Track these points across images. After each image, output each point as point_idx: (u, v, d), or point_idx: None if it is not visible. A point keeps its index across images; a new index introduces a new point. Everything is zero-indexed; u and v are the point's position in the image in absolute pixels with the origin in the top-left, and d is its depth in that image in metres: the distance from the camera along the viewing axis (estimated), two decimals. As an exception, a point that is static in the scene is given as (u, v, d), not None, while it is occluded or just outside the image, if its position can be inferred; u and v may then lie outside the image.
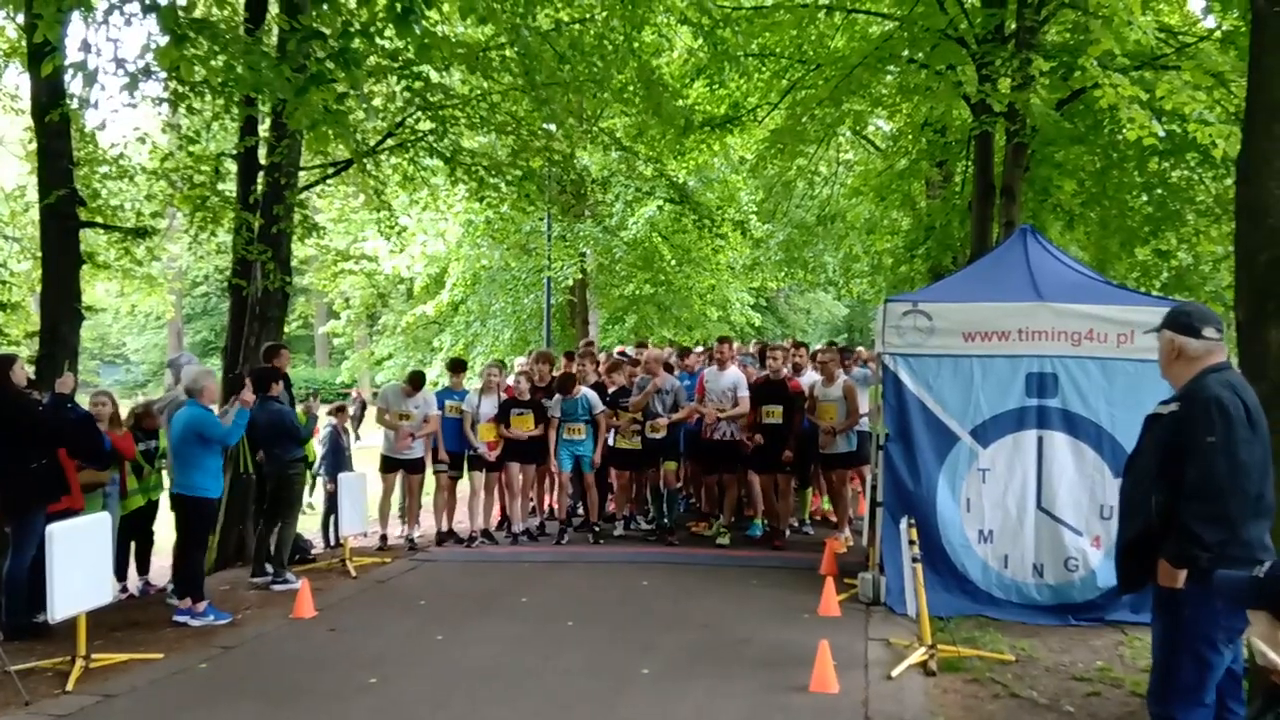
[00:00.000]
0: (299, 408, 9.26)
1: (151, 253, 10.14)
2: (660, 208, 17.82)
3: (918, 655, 5.95)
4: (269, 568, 8.46)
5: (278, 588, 8.21)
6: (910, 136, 15.18)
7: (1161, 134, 8.50)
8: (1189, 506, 3.38)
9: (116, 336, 41.18)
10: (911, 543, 6.24)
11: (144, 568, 8.67)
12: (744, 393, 9.67)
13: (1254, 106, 4.95)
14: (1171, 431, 3.47)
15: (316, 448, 10.82)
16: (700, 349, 13.04)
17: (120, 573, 8.29)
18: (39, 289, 8.84)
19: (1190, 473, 3.38)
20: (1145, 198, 12.60)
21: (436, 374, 20.17)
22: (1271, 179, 4.75)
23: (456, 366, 10.72)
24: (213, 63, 6.38)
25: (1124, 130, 8.29)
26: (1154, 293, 12.52)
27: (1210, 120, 8.11)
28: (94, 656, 6.06)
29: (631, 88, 12.14)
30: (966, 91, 10.25)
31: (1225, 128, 7.95)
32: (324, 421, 11.15)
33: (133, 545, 8.53)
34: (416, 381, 10.18)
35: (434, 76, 10.49)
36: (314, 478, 11.05)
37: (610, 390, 10.50)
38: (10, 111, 9.68)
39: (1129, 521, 3.55)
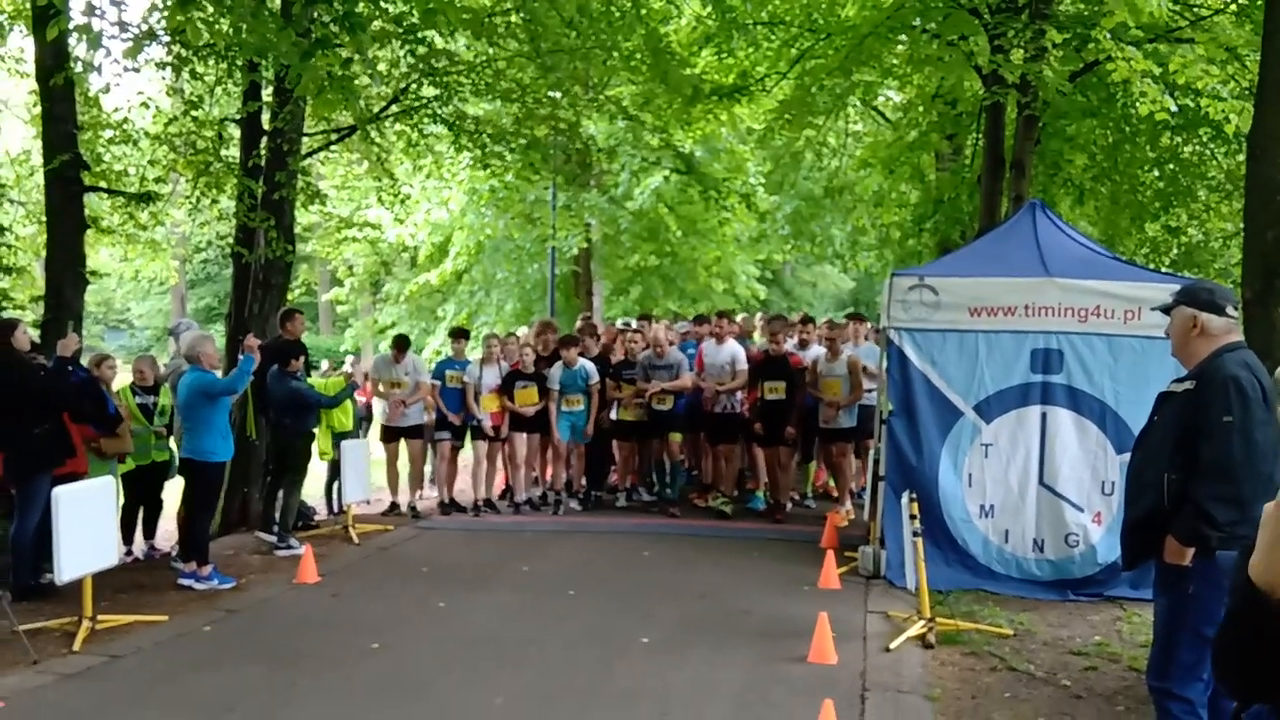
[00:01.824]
0: (335, 375, 9.23)
1: (155, 218, 10.10)
2: (666, 178, 17.70)
3: (916, 628, 5.98)
4: (276, 528, 8.53)
5: (281, 553, 8.26)
6: (921, 108, 15.04)
7: (1174, 109, 8.40)
8: (1202, 486, 3.37)
9: (121, 302, 41.19)
10: (912, 517, 6.25)
11: (150, 532, 8.72)
12: (742, 365, 9.66)
13: (1266, 82, 4.90)
14: (1186, 410, 3.45)
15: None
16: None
17: (127, 536, 8.34)
18: (44, 253, 8.82)
19: (1205, 452, 3.37)
20: (1156, 173, 12.50)
21: (440, 343, 20.17)
22: (1281, 156, 4.70)
23: (458, 334, 10.69)
24: (218, 26, 6.34)
25: (1136, 104, 8.19)
26: (1163, 269, 12.45)
27: (1223, 95, 8.02)
28: (100, 618, 6.11)
29: (639, 55, 12.02)
30: (978, 62, 10.13)
31: (1238, 103, 7.86)
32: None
33: (140, 510, 8.56)
34: (401, 345, 10.13)
35: (439, 42, 10.39)
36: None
37: (613, 363, 10.51)
38: (15, 75, 9.61)
39: (1138, 499, 3.54)
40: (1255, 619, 1.28)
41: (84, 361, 7.70)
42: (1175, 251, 13.37)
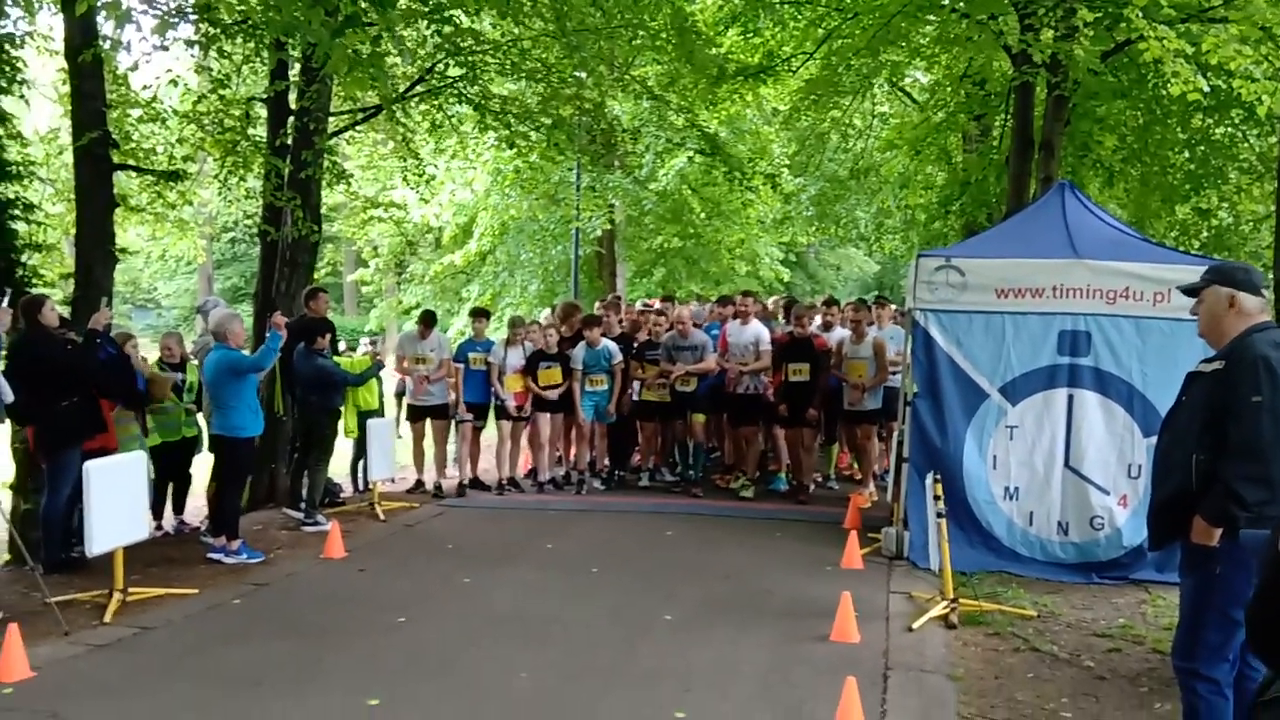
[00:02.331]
0: (359, 353, 9.26)
1: (184, 196, 10.17)
2: (690, 159, 17.63)
3: (939, 609, 5.98)
4: (303, 504, 8.62)
5: (308, 529, 8.36)
6: (949, 89, 14.88)
7: (1206, 89, 8.26)
8: (1231, 466, 3.34)
9: (148, 281, 41.56)
10: (936, 498, 6.24)
11: (180, 507, 8.81)
12: (766, 346, 9.64)
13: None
14: (1215, 390, 3.41)
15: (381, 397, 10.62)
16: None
17: (156, 512, 8.46)
18: (73, 231, 8.91)
19: (1233, 432, 3.34)
20: (1187, 154, 12.31)
21: (464, 324, 20.21)
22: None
23: (479, 314, 10.68)
24: (246, 3, 6.35)
25: (1168, 85, 8.06)
26: (1193, 252, 12.29)
27: (1256, 76, 7.87)
28: (131, 590, 6.21)
29: (664, 34, 11.96)
30: (1008, 42, 10.00)
31: (1271, 84, 7.73)
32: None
33: (170, 485, 8.66)
34: (429, 320, 10.14)
35: (464, 21, 10.37)
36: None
37: (637, 343, 10.52)
38: (44, 53, 9.67)
39: (1165, 479, 3.52)
40: None
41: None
42: (1205, 234, 13.18)
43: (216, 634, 5.71)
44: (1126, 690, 4.99)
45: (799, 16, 13.46)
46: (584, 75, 11.50)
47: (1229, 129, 12.31)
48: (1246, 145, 12.62)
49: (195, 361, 8.35)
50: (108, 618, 5.87)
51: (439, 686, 4.91)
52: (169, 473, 8.55)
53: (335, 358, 9.22)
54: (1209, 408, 3.39)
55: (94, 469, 5.92)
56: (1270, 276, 5.31)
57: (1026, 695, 4.89)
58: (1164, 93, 10.96)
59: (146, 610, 6.10)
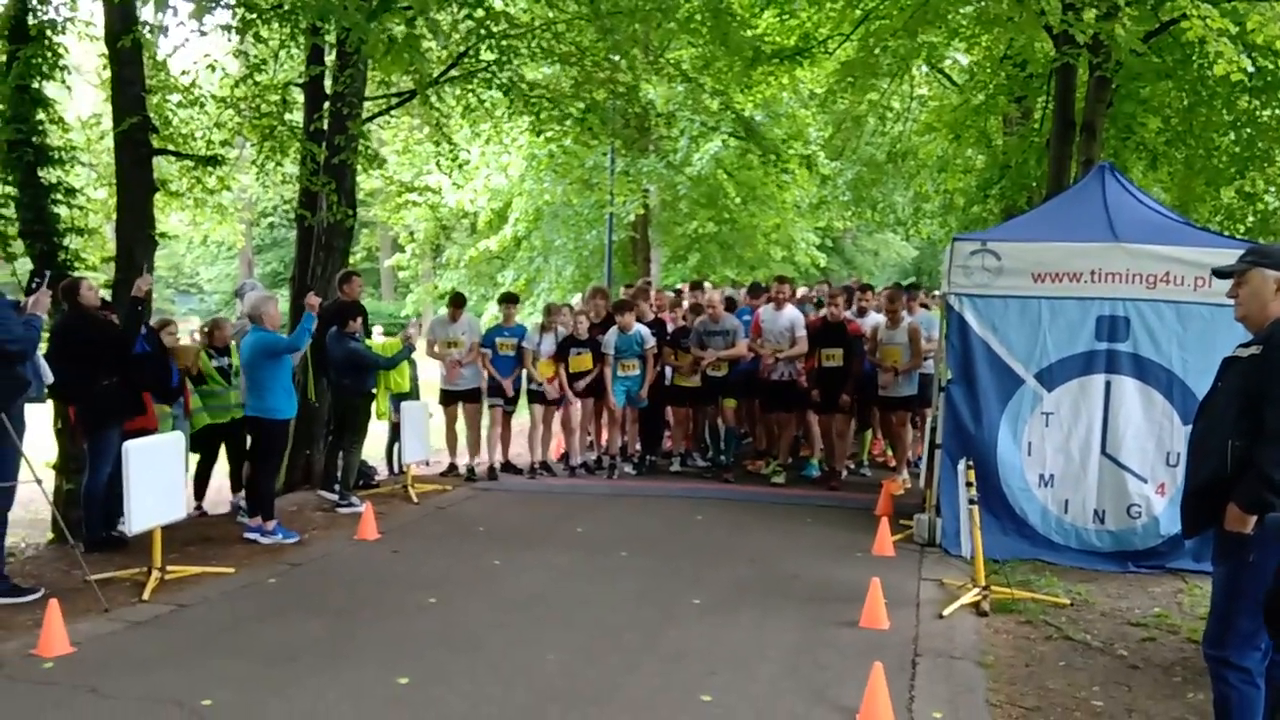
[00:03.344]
0: (393, 337, 9.29)
1: (223, 182, 10.28)
2: (725, 143, 17.53)
3: (970, 595, 5.93)
4: (336, 487, 8.73)
5: (343, 510, 8.46)
6: (989, 70, 14.64)
7: (1251, 70, 8.05)
8: (1266, 452, 3.27)
9: (190, 266, 42.21)
10: (969, 484, 6.18)
11: (238, 486, 8.69)
12: (801, 332, 9.58)
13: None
14: (1252, 375, 3.34)
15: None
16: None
17: (198, 491, 8.59)
18: (114, 216, 9.05)
19: (1270, 417, 3.27)
20: (1232, 136, 12.02)
21: (498, 309, 20.30)
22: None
23: (508, 299, 10.68)
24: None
25: (1212, 65, 7.87)
26: (1238, 237, 12.02)
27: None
28: (169, 569, 6.32)
29: (699, 17, 11.88)
30: (1049, 21, 9.82)
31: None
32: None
33: (226, 467, 8.70)
34: (459, 301, 10.15)
35: (498, 5, 10.36)
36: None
37: (670, 329, 10.51)
38: (85, 39, 9.81)
39: (1200, 465, 3.45)
40: None
41: (152, 321, 7.87)
42: (1251, 219, 12.87)
43: (252, 612, 5.81)
44: (1160, 679, 4.92)
45: (835, -2, 13.29)
46: (618, 58, 11.46)
47: (1277, 111, 11.99)
48: (1295, 127, 12.28)
49: (234, 343, 8.45)
50: (146, 595, 5.98)
51: (468, 665, 4.96)
52: (218, 454, 8.63)
53: (368, 341, 9.28)
54: (1245, 393, 3.32)
55: (133, 449, 6.03)
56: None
57: (1057, 683, 4.84)
58: (1209, 74, 10.73)
59: (184, 588, 6.21)
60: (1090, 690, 4.77)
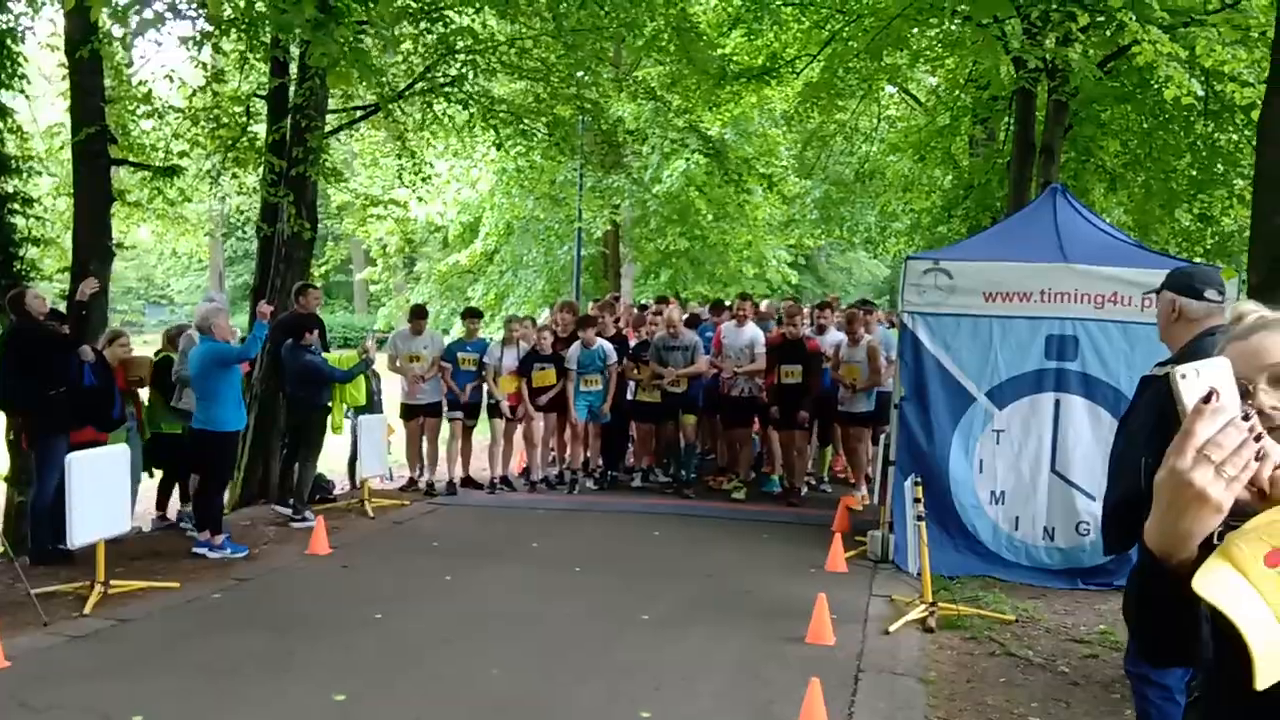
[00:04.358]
0: (351, 349, 9.24)
1: (183, 193, 10.24)
2: (691, 160, 17.61)
3: (917, 612, 5.95)
4: (291, 500, 8.65)
5: (296, 525, 8.38)
6: (957, 92, 14.83)
7: (1200, 93, 8.20)
8: None
9: (161, 278, 41.88)
10: (916, 500, 6.21)
11: (185, 498, 8.55)
12: (761, 349, 9.62)
13: (1276, 67, 4.78)
14: (1166, 393, 3.37)
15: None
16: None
17: (160, 502, 8.49)
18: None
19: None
20: (1189, 159, 12.23)
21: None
22: (1291, 140, 4.60)
23: (471, 314, 10.63)
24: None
25: (1164, 89, 8.01)
26: (1196, 259, 12.21)
27: (1251, 82, 7.82)
28: (112, 583, 6.24)
29: (665, 35, 11.96)
30: (1012, 46, 9.97)
31: (1264, 88, 7.65)
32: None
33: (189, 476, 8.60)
34: (420, 314, 10.13)
35: (465, 21, 10.39)
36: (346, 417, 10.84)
37: (633, 343, 10.52)
38: (46, 48, 9.77)
39: (1118, 482, 3.49)
40: (1152, 583, 1.28)
41: (100, 340, 7.70)
42: (1209, 241, 13.08)
43: (194, 627, 5.74)
44: (1099, 696, 4.96)
45: (802, 19, 13.43)
46: (583, 75, 11.51)
47: (1233, 135, 12.22)
48: (1249, 150, 12.50)
49: (179, 359, 8.23)
50: (88, 609, 5.89)
51: (409, 681, 4.92)
52: (179, 464, 8.51)
53: (325, 354, 9.22)
54: (1160, 410, 3.35)
55: (76, 461, 5.96)
56: (1247, 279, 5.26)
57: (997, 700, 4.86)
58: (1165, 98, 10.91)
59: (127, 603, 6.13)
60: (1029, 706, 4.79)
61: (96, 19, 7.97)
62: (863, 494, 9.78)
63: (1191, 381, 1.22)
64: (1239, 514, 1.15)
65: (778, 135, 19.64)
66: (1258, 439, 1.16)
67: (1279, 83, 4.81)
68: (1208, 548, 1.20)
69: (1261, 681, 1.10)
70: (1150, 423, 3.32)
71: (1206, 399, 1.17)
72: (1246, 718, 1.27)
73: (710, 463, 11.35)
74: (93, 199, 8.88)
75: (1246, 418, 1.16)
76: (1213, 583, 1.12)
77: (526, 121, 11.20)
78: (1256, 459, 1.15)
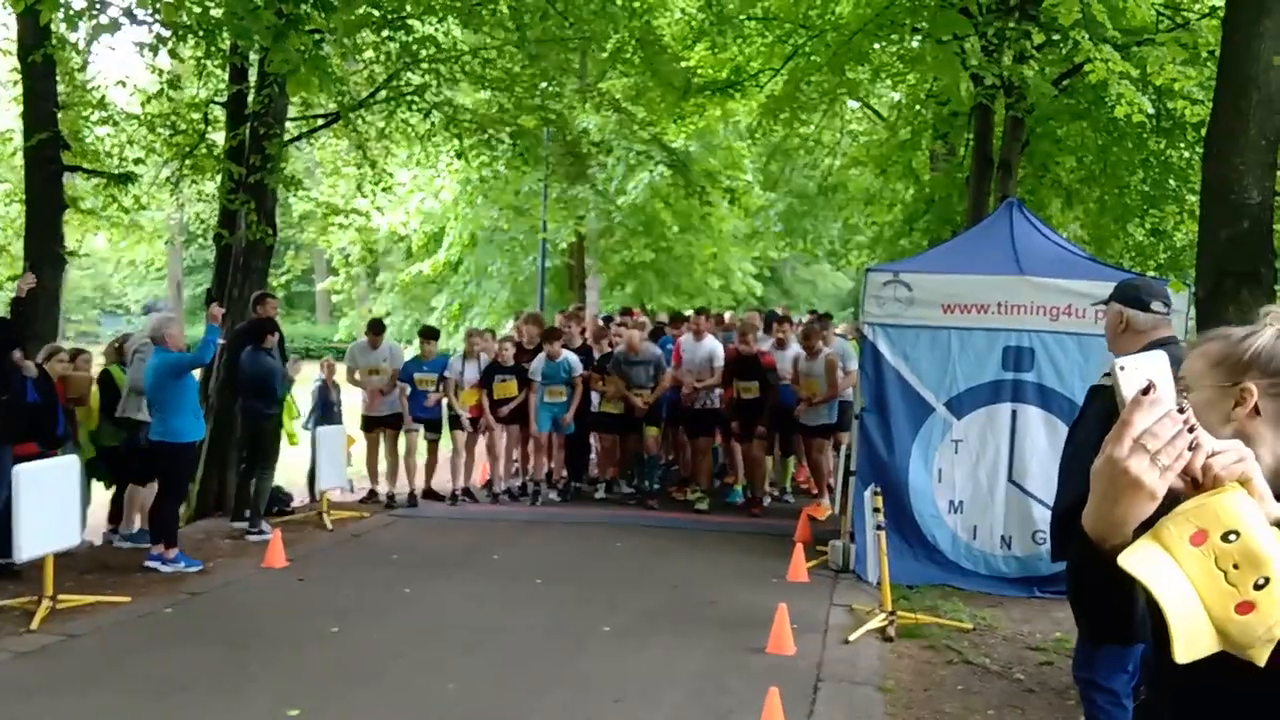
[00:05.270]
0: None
1: (138, 201, 10.08)
2: (654, 172, 17.66)
3: (876, 621, 5.98)
4: (247, 514, 8.52)
5: (252, 538, 8.25)
6: (918, 107, 15.00)
7: (1150, 111, 8.38)
8: None
9: (118, 287, 41.19)
10: (876, 510, 6.26)
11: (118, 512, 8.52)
12: (719, 363, 9.66)
13: (1222, 82, 4.90)
14: (1113, 402, 3.43)
15: (301, 404, 10.57)
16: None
17: (115, 515, 8.31)
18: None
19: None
20: (1142, 175, 12.46)
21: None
22: (1236, 155, 4.70)
23: (428, 334, 10.49)
24: (194, 8, 6.32)
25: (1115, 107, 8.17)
26: (1150, 273, 12.40)
27: (1200, 99, 7.99)
28: (61, 597, 6.09)
29: (629, 47, 12.00)
30: (970, 63, 10.11)
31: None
32: (314, 376, 11.04)
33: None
34: (378, 328, 10.07)
35: (428, 30, 10.34)
36: (306, 428, 10.71)
37: (598, 355, 10.51)
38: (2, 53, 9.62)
39: (1065, 489, 3.54)
40: (1088, 566, 1.31)
41: (39, 357, 7.50)
42: (1162, 255, 13.30)
43: (143, 642, 5.63)
44: (1054, 703, 5.01)
45: (765, 33, 13.54)
46: (547, 85, 11.51)
47: (1182, 151, 12.46)
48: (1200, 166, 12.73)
49: (130, 365, 8.07)
50: (34, 625, 5.75)
51: (364, 695, 4.85)
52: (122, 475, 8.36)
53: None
54: (1107, 419, 3.40)
55: (24, 472, 5.83)
56: (1194, 291, 5.36)
57: (954, 707, 4.90)
58: (1118, 115, 11.11)
59: (76, 618, 5.99)
60: (985, 714, 4.83)
61: (48, 22, 7.87)
62: (825, 504, 9.83)
63: (1131, 373, 1.26)
64: (1173, 502, 1.18)
65: (742, 148, 19.77)
66: (1191, 430, 1.19)
67: (1222, 97, 4.92)
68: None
69: (1181, 654, 1.13)
70: (1098, 431, 3.38)
71: (1145, 391, 1.20)
72: (1185, 704, 1.31)
73: (674, 474, 11.34)
74: (44, 205, 8.73)
75: (1182, 410, 1.19)
76: (1140, 560, 1.16)
77: (491, 131, 11.16)
78: (1190, 449, 1.18)
